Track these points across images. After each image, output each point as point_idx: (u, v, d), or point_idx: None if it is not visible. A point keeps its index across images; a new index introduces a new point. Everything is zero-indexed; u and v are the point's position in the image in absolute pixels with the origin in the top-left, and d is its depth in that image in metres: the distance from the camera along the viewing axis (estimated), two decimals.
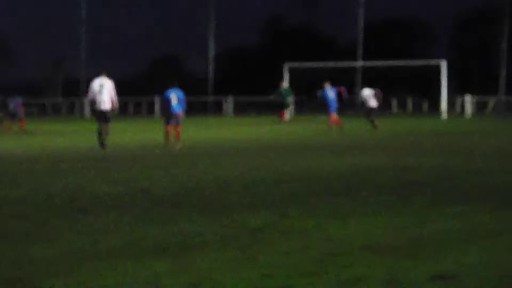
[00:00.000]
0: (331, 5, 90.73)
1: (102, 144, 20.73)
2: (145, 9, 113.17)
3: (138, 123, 44.67)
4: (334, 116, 31.56)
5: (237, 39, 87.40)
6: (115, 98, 20.95)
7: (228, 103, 59.66)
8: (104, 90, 20.72)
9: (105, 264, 6.55)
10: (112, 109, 20.98)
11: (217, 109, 62.75)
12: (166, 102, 22.01)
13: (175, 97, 21.81)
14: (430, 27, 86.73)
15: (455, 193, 10.74)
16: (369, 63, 60.28)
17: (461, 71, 73.36)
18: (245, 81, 74.62)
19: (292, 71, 49.60)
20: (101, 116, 20.89)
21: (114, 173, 14.21)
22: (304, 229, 8.03)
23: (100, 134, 20.89)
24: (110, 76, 21.12)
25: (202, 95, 64.00)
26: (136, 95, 63.12)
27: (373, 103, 32.39)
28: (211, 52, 73.40)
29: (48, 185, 12.47)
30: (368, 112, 32.46)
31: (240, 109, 59.29)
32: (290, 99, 44.16)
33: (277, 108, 43.77)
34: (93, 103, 21.28)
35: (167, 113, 22.12)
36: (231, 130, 31.11)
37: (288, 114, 43.90)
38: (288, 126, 33.55)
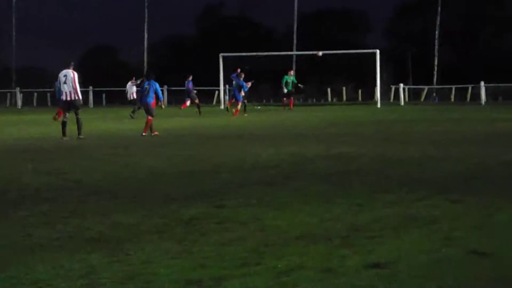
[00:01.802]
0: None
1: (64, 133, 21.10)
2: None
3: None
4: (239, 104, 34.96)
5: (174, 29, 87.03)
6: (78, 90, 21.52)
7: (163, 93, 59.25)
8: (68, 81, 21.37)
9: (38, 258, 6.46)
10: (77, 100, 21.58)
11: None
12: (141, 93, 23.83)
13: (148, 88, 23.22)
14: (367, 16, 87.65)
15: (389, 181, 10.86)
16: (304, 53, 60.46)
17: (396, 61, 74.31)
18: (181, 71, 74.32)
19: (227, 61, 49.33)
20: (66, 107, 21.53)
21: (48, 165, 14.01)
22: (239, 220, 8.04)
23: (64, 124, 21.35)
24: (58, 67, 21.78)
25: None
26: None
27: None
28: (145, 42, 73.00)
29: None
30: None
31: (176, 99, 58.97)
32: (290, 88, 43.16)
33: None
34: (58, 94, 21.86)
35: (140, 103, 24.43)
36: (168, 121, 30.92)
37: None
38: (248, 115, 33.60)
